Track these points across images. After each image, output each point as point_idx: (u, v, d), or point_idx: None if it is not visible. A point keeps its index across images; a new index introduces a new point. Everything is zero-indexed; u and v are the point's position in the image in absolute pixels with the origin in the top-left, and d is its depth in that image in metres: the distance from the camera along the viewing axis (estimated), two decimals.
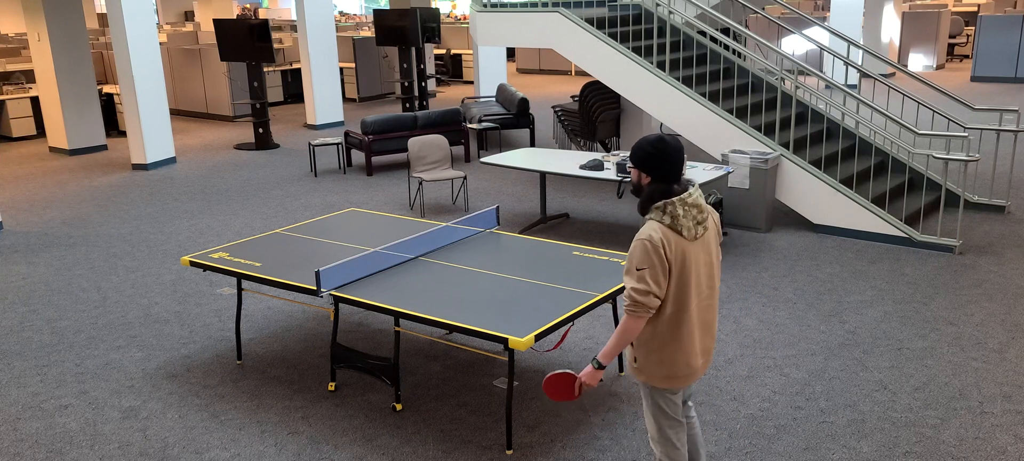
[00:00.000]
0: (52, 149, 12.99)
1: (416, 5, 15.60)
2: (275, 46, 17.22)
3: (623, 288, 4.41)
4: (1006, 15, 16.85)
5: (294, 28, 23.15)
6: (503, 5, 9.45)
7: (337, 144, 10.78)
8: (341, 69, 17.83)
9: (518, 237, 5.41)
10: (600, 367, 3.27)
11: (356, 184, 10.23)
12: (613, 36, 8.85)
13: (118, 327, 6.08)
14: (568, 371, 3.32)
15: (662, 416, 3.36)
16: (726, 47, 9.45)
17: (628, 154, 7.31)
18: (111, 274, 7.25)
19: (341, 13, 33.54)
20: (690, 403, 3.64)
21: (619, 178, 6.96)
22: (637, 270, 3.09)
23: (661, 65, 8.52)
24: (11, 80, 15.24)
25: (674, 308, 3.17)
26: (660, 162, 3.12)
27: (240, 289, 5.41)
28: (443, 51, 21.53)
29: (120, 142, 13.74)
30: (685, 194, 3.12)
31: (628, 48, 8.44)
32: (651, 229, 3.10)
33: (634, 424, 4.50)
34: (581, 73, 21.44)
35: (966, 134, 7.07)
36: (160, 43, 15.72)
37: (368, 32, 22.25)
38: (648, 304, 3.10)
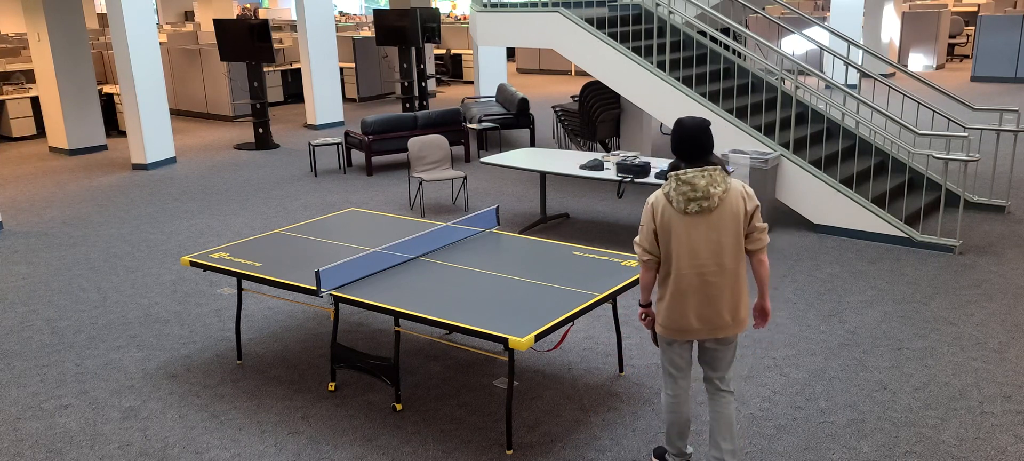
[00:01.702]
0: (52, 149, 12.99)
1: (416, 5, 15.60)
2: (275, 46, 17.23)
3: (623, 288, 4.48)
4: (1006, 15, 16.85)
5: (294, 28, 23.16)
6: (503, 5, 9.44)
7: (337, 144, 10.78)
8: (341, 69, 17.83)
9: (518, 237, 5.41)
10: (641, 305, 3.87)
11: (356, 184, 10.23)
12: (613, 36, 8.85)
13: (118, 327, 6.08)
14: None
15: (661, 364, 3.87)
16: (726, 47, 9.45)
17: (628, 154, 7.39)
18: (111, 274, 7.25)
19: (341, 13, 33.55)
20: (727, 388, 3.82)
21: (619, 178, 6.96)
22: (640, 226, 3.70)
23: (661, 65, 8.52)
24: (11, 80, 15.24)
25: (665, 268, 3.68)
26: (676, 142, 3.62)
27: (240, 289, 5.41)
28: (443, 51, 21.53)
29: (120, 142, 13.74)
30: (681, 171, 3.57)
31: (628, 48, 8.44)
32: (653, 195, 3.66)
33: (634, 424, 4.50)
34: (581, 73, 21.44)
35: (966, 134, 7.07)
36: (160, 43, 15.72)
37: (368, 32, 22.26)
38: (640, 255, 3.71)
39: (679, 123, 3.60)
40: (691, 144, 3.56)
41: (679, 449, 3.94)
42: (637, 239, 3.70)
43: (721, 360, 3.77)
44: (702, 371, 3.98)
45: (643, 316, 3.85)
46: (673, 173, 3.58)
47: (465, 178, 9.35)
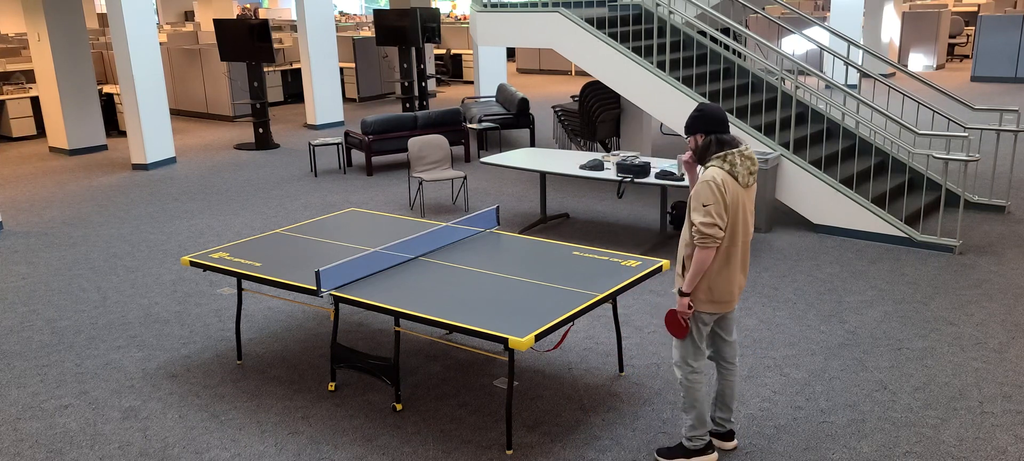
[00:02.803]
0: (52, 149, 12.99)
1: (416, 5, 15.60)
2: (275, 46, 17.22)
3: (623, 288, 4.46)
4: (1006, 15, 16.85)
5: (294, 28, 23.16)
6: (503, 5, 9.44)
7: (337, 144, 10.78)
8: (341, 69, 17.83)
9: (518, 237, 5.41)
10: (684, 295, 3.81)
11: (356, 184, 10.23)
12: (613, 36, 8.85)
13: (118, 327, 6.08)
14: (671, 307, 3.90)
15: (690, 340, 3.93)
16: (726, 47, 9.45)
17: (628, 154, 7.40)
18: (111, 274, 7.25)
19: (341, 13, 33.55)
20: (737, 358, 4.13)
21: (619, 178, 6.96)
22: (704, 206, 3.68)
23: (661, 65, 8.52)
24: (11, 80, 15.24)
25: (728, 243, 3.76)
26: (706, 119, 3.76)
27: (240, 289, 5.41)
28: (443, 51, 21.53)
29: (120, 142, 13.74)
30: (743, 147, 3.75)
31: (628, 48, 8.44)
32: (714, 173, 3.70)
33: (634, 424, 4.50)
34: (581, 73, 21.44)
35: (966, 134, 7.07)
36: (160, 43, 15.71)
37: (368, 32, 22.25)
38: (715, 235, 3.67)
39: (703, 108, 3.79)
40: (722, 122, 3.77)
41: (708, 419, 4.07)
42: (708, 221, 3.64)
43: (733, 321, 4.08)
44: (709, 351, 4.17)
45: (690, 306, 3.80)
46: (735, 150, 3.72)
47: (465, 178, 9.35)
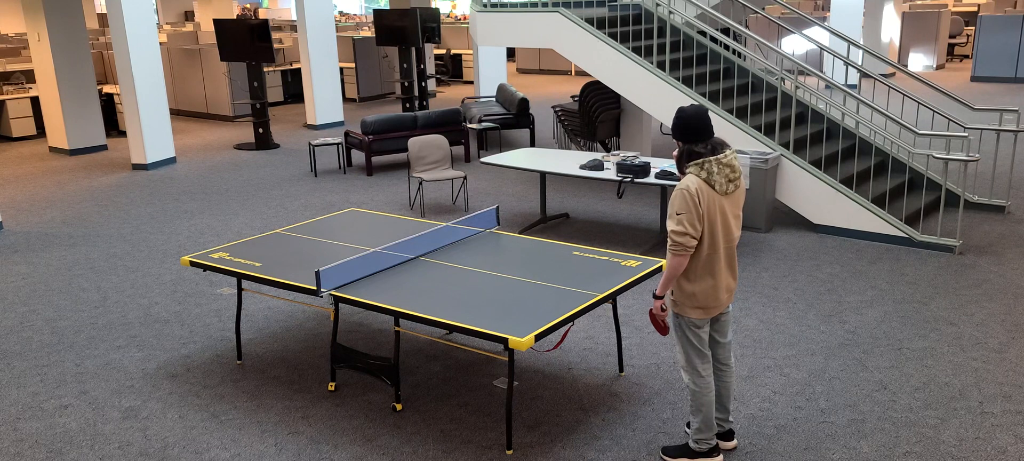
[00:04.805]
0: (52, 149, 12.99)
1: (416, 5, 15.60)
2: (275, 46, 17.22)
3: (623, 288, 4.49)
4: (1006, 15, 16.85)
5: (294, 28, 23.15)
6: (503, 5, 9.44)
7: (337, 144, 10.78)
8: (341, 69, 17.83)
9: (518, 237, 5.41)
10: (658, 297, 3.91)
11: (356, 184, 10.23)
12: (613, 36, 8.85)
13: (118, 327, 6.08)
14: (650, 309, 3.99)
15: (690, 346, 3.95)
16: (726, 47, 9.45)
17: (628, 154, 7.41)
18: (111, 274, 7.25)
19: (341, 13, 33.54)
20: (732, 359, 4.17)
21: (619, 178, 6.96)
22: (677, 215, 3.70)
23: (661, 65, 8.52)
24: (11, 80, 15.23)
25: (708, 250, 3.78)
26: (680, 128, 3.77)
27: (240, 289, 5.41)
28: (443, 51, 21.53)
29: (120, 142, 13.74)
30: (721, 155, 3.72)
31: (628, 48, 8.44)
32: (689, 181, 3.71)
33: (634, 424, 4.50)
34: (581, 73, 21.44)
35: (966, 134, 7.07)
36: (160, 43, 15.71)
37: (368, 32, 22.25)
38: (686, 244, 3.70)
39: (683, 112, 3.76)
40: (703, 127, 3.73)
41: (715, 422, 4.07)
42: (680, 228, 3.68)
43: (728, 323, 4.07)
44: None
45: (663, 309, 3.90)
46: (712, 158, 3.70)
47: (465, 178, 9.35)
